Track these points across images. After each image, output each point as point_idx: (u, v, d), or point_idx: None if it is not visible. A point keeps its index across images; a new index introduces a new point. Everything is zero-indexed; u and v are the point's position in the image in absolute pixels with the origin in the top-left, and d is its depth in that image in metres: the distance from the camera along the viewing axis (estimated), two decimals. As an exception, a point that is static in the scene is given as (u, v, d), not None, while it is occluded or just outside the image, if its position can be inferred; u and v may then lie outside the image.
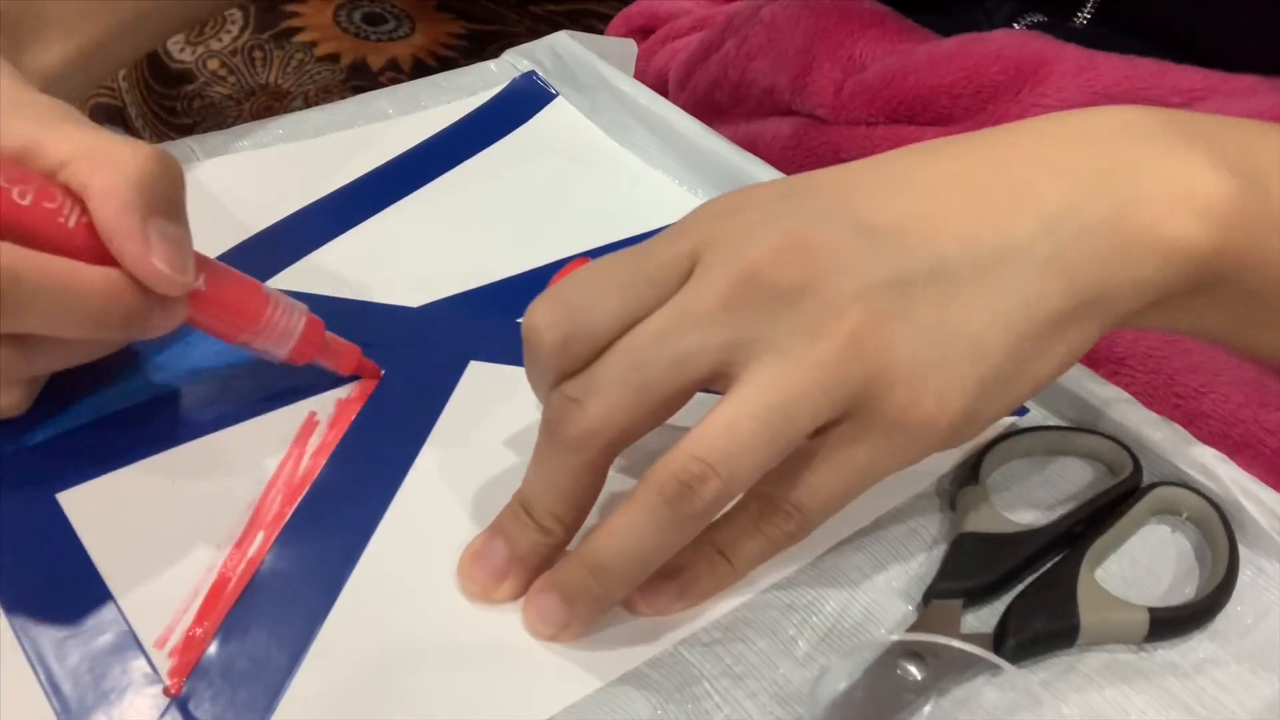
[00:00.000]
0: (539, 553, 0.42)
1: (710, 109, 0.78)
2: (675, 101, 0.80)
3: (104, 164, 0.42)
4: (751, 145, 0.68)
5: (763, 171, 0.63)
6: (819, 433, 0.39)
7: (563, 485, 0.41)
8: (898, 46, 0.68)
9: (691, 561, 0.42)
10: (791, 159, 0.71)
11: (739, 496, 0.40)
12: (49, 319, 0.42)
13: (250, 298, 0.47)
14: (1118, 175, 0.41)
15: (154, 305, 0.43)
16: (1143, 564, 0.47)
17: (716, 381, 0.39)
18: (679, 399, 0.40)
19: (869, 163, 0.43)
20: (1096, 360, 0.57)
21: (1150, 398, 0.56)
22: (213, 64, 1.01)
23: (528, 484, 0.42)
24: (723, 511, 0.41)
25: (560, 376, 0.40)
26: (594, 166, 0.66)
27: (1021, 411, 0.52)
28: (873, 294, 0.38)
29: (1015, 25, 0.67)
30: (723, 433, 0.38)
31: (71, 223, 0.42)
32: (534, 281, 0.57)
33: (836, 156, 0.69)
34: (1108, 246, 0.40)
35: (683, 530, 0.39)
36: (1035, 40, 0.63)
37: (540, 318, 0.40)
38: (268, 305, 0.47)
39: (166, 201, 0.43)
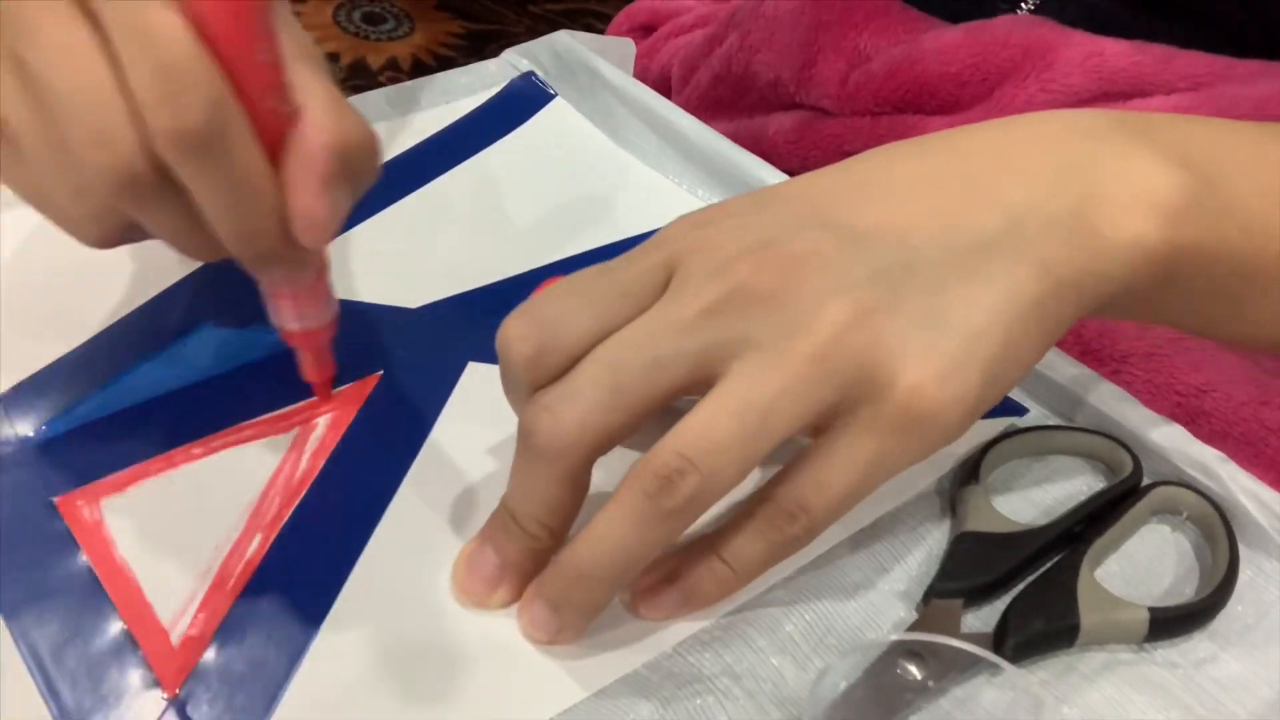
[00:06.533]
0: (529, 559, 0.42)
1: (713, 104, 0.78)
2: (678, 98, 0.80)
3: (329, 116, 0.40)
4: (755, 139, 0.68)
5: (764, 170, 0.63)
6: (823, 431, 0.39)
7: (544, 493, 0.41)
8: (902, 36, 0.68)
9: (692, 567, 0.42)
10: (795, 152, 0.71)
11: (729, 494, 0.40)
12: (215, 189, 0.38)
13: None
14: (1073, 175, 0.41)
15: (286, 249, 0.41)
16: (1143, 564, 0.47)
17: (697, 388, 0.39)
18: (656, 404, 0.39)
19: (833, 170, 0.43)
20: (1099, 359, 0.57)
21: (1151, 396, 0.55)
22: (213, 64, 1.00)
23: (510, 493, 0.42)
24: (725, 515, 0.40)
25: (534, 389, 0.40)
26: (593, 166, 0.66)
27: (1021, 411, 0.52)
28: (854, 290, 0.38)
29: (1024, 4, 0.67)
30: (701, 429, 0.37)
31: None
32: (533, 283, 0.57)
33: (840, 149, 0.69)
34: (1072, 240, 0.40)
35: (664, 527, 0.38)
36: (1042, 26, 0.63)
37: (512, 332, 0.40)
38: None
39: (353, 176, 0.41)
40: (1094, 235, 0.40)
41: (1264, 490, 0.47)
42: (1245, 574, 0.46)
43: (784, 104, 0.74)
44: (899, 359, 0.38)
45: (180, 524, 0.44)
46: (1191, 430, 0.49)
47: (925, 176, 0.42)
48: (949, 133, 0.44)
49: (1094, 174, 0.41)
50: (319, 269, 0.45)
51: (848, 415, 0.39)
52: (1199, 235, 0.41)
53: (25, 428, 0.47)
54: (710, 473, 0.37)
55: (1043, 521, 0.46)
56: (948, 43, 0.65)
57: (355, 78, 1.00)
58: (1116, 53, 0.61)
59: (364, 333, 0.53)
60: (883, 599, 0.45)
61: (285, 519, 0.45)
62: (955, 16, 0.67)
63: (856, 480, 0.39)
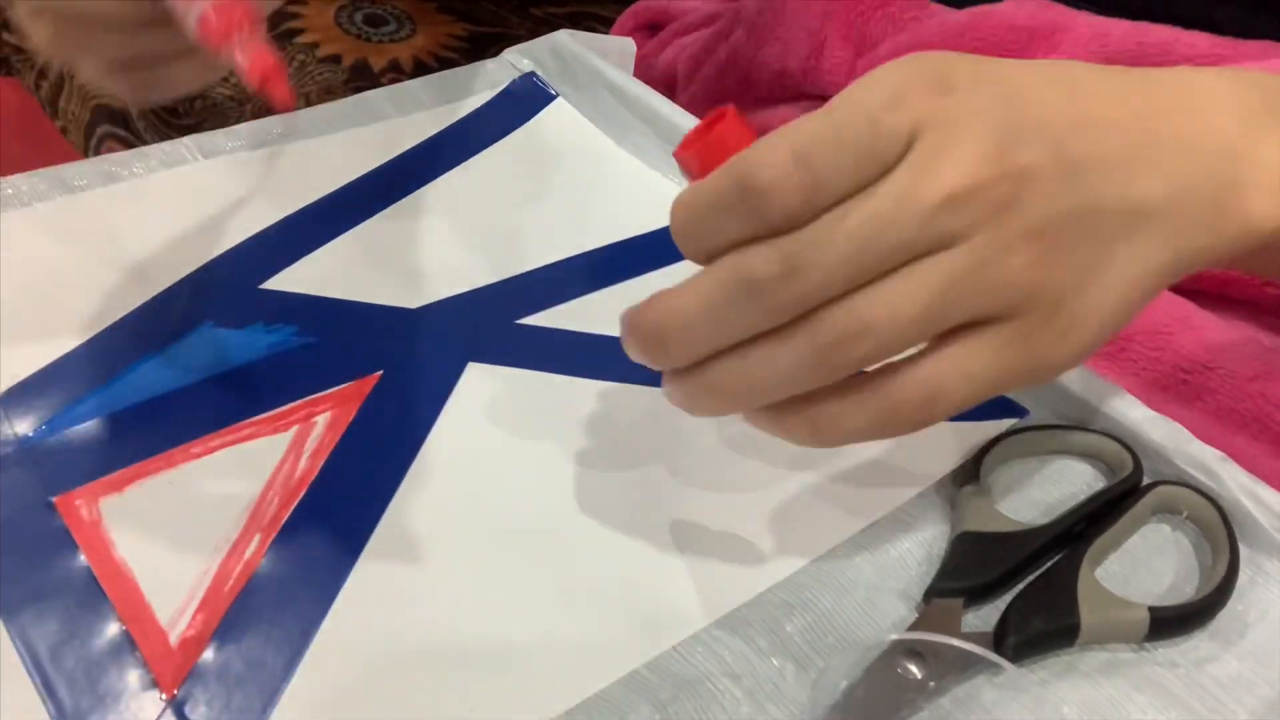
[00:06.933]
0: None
1: (719, 97, 0.78)
2: (683, 95, 0.80)
3: None
4: (761, 132, 0.68)
5: (763, 170, 0.63)
6: (959, 333, 0.39)
7: (729, 334, 0.39)
8: (908, 23, 0.68)
9: (786, 417, 0.41)
10: None
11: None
12: None
13: None
14: (1225, 159, 0.42)
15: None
16: (1143, 563, 0.47)
17: None
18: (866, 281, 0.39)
19: (1046, 76, 0.43)
20: None
21: (1156, 374, 0.55)
22: (214, 65, 1.00)
23: (682, 316, 0.40)
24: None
25: (764, 229, 0.38)
26: (594, 167, 0.66)
27: (1022, 412, 0.52)
28: (1051, 226, 0.39)
29: None
30: (887, 302, 0.38)
31: None
32: (533, 282, 0.57)
33: None
34: (1207, 226, 0.42)
35: (821, 371, 0.39)
36: (1048, 9, 0.64)
37: (773, 158, 0.38)
38: None
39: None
40: (1224, 220, 0.42)
41: (1264, 490, 0.47)
42: (1245, 574, 0.45)
43: (790, 95, 0.74)
44: (1064, 306, 0.39)
45: (179, 524, 0.44)
46: (1196, 407, 0.49)
47: (1118, 119, 0.42)
48: (1130, 74, 0.44)
49: (1242, 162, 0.42)
50: None
51: (994, 327, 0.39)
52: None
53: (25, 427, 0.47)
54: (880, 342, 0.38)
55: (1043, 521, 0.46)
56: (953, 28, 0.65)
57: (357, 79, 0.99)
58: (1122, 34, 0.61)
59: (364, 333, 0.53)
60: (883, 599, 0.45)
61: (284, 519, 0.45)
62: (961, 0, 0.68)
63: (985, 386, 0.40)
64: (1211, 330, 0.56)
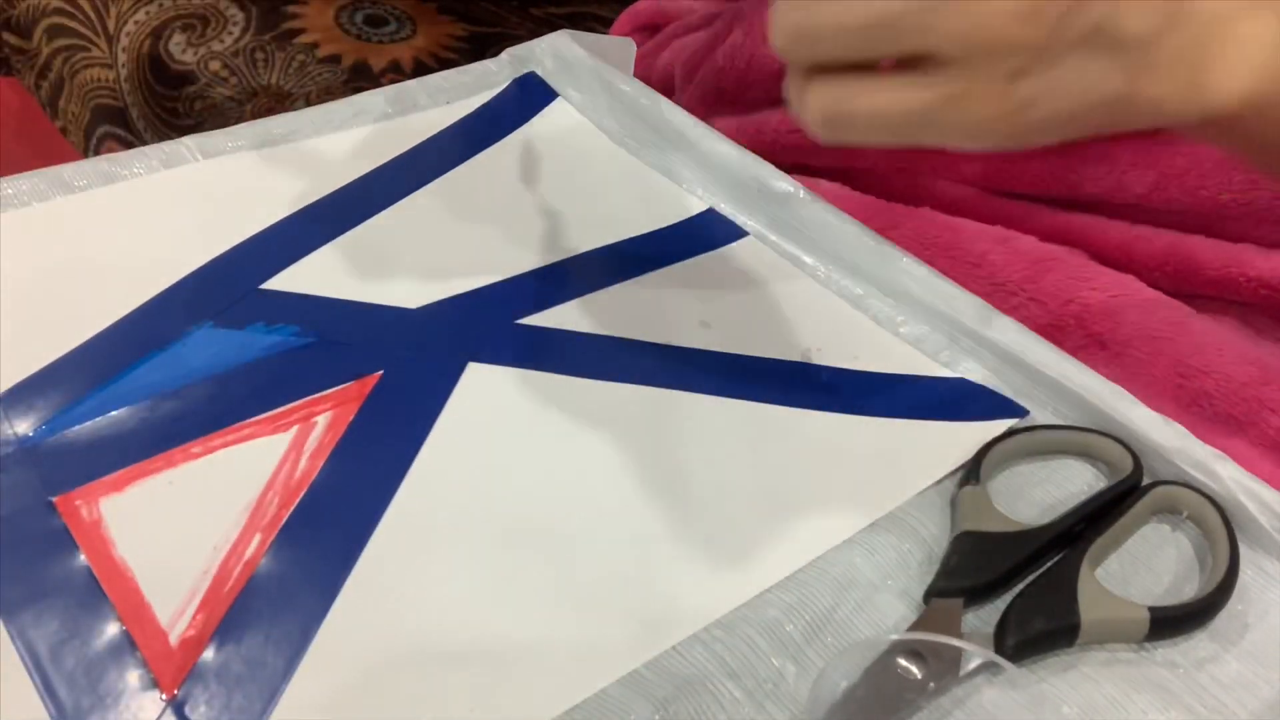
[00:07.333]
0: None
1: (716, 98, 0.78)
2: (680, 96, 0.80)
3: None
4: (758, 132, 0.67)
5: (764, 171, 0.63)
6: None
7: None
8: None
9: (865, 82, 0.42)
10: (798, 145, 0.71)
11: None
12: None
13: None
14: (1208, 23, 0.42)
15: None
16: (1143, 563, 0.47)
17: None
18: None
19: None
20: (1101, 343, 0.57)
21: (1152, 378, 0.56)
22: (214, 65, 1.01)
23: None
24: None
25: None
26: (593, 167, 0.66)
27: (1022, 412, 0.52)
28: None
29: None
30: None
31: None
32: (534, 282, 0.57)
33: None
34: (1169, 78, 0.41)
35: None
36: None
37: None
38: None
39: None
40: (1187, 84, 0.41)
41: (1264, 490, 0.47)
42: (1245, 573, 0.45)
43: (786, 97, 0.74)
44: (1021, 70, 0.39)
45: (179, 524, 0.44)
46: (1193, 411, 0.49)
47: None
48: None
49: (1220, 32, 0.42)
50: None
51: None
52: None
53: (25, 428, 0.47)
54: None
55: (1043, 521, 0.46)
56: None
57: (357, 79, 1.00)
58: None
59: (364, 333, 0.53)
60: (883, 599, 0.45)
61: (284, 519, 0.45)
62: None
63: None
64: (1207, 335, 0.56)
